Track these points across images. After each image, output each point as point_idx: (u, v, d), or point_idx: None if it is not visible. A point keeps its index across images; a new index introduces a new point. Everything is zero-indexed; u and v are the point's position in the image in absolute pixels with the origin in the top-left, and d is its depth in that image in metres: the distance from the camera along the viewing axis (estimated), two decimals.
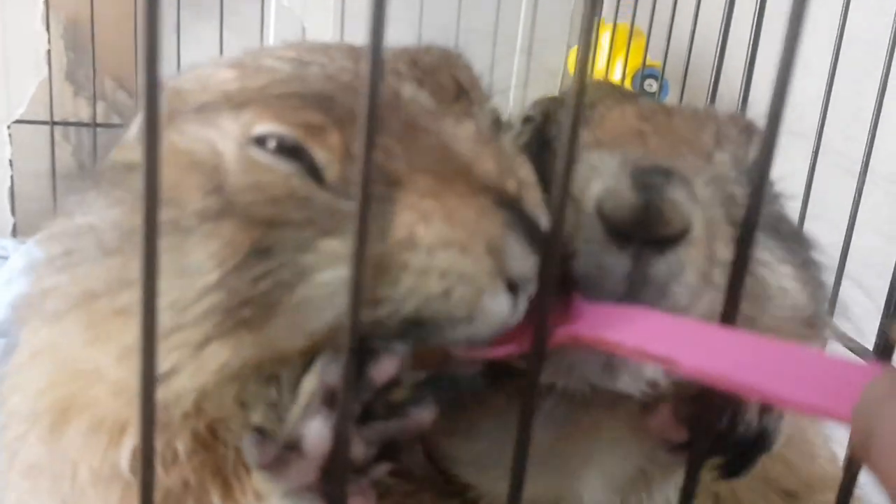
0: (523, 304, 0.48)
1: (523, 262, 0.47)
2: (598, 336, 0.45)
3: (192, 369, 0.50)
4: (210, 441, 0.52)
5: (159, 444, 0.51)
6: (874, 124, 1.03)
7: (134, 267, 0.50)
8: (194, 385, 0.51)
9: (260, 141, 0.51)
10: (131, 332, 0.50)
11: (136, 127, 0.59)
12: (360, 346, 0.41)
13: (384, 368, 0.43)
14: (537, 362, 0.39)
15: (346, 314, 0.37)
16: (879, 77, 1.07)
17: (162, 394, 0.51)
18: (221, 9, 1.69)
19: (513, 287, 0.48)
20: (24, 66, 1.63)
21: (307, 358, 0.49)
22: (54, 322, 0.56)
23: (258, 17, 1.74)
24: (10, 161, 1.67)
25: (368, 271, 0.45)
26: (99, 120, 1.75)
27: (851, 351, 0.99)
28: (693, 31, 1.27)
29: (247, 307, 0.48)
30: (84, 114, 1.85)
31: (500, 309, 0.47)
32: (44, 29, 1.59)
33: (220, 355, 0.49)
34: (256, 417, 0.53)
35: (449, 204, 0.48)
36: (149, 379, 0.37)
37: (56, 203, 1.67)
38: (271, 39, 1.74)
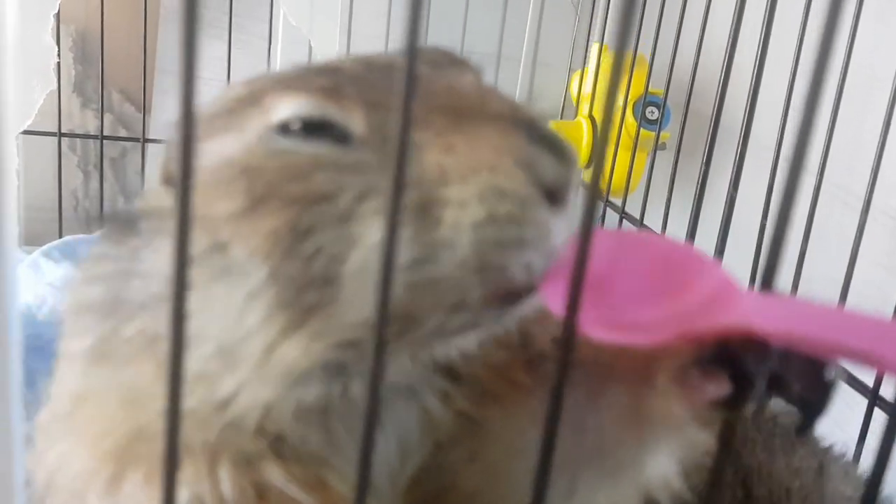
0: (568, 219, 0.48)
1: (554, 169, 0.47)
2: (755, 325, 0.40)
3: (258, 381, 0.49)
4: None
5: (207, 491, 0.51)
6: (878, 158, 1.05)
7: (189, 304, 0.51)
8: (259, 399, 0.50)
9: (283, 128, 0.50)
10: (197, 363, 0.50)
11: (160, 170, 0.59)
12: None
13: None
14: (567, 352, 0.36)
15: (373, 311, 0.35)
16: (879, 110, 1.08)
17: (225, 418, 0.51)
18: (230, 27, 1.71)
19: (552, 198, 0.47)
20: (34, 79, 1.64)
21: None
22: (123, 366, 0.55)
23: (266, 35, 1.75)
24: (18, 171, 1.67)
25: (410, 223, 0.45)
26: (105, 132, 1.76)
27: (851, 385, 1.00)
28: (697, 59, 1.28)
29: (309, 290, 0.47)
30: (91, 126, 1.87)
31: (547, 219, 0.47)
32: (53, 42, 1.60)
33: (291, 354, 0.48)
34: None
35: (469, 133, 0.48)
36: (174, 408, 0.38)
37: (61, 213, 1.68)
38: (279, 57, 1.76)
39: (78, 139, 1.87)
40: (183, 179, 0.30)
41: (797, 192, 0.34)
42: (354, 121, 0.50)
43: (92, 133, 1.83)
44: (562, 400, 0.35)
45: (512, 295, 0.49)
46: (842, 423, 0.97)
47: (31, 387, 0.61)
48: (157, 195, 0.58)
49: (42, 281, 1.38)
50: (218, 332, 0.50)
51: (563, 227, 0.48)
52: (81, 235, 1.59)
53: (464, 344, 0.53)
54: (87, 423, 0.56)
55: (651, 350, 0.55)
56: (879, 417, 1.02)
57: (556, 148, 0.48)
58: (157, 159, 0.60)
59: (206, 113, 0.56)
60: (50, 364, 1.17)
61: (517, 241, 0.46)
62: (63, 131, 1.68)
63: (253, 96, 0.53)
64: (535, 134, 0.48)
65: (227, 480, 0.51)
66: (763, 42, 1.07)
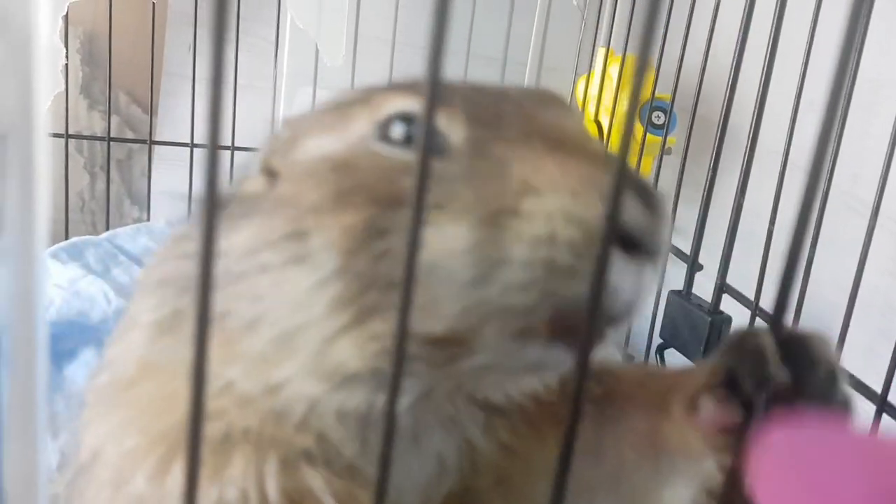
0: (647, 273, 0.46)
1: (637, 213, 0.45)
2: None
3: (308, 374, 0.50)
4: None
5: (251, 485, 0.51)
6: (886, 164, 1.04)
7: (260, 285, 0.51)
8: (305, 393, 0.51)
9: (384, 130, 0.51)
10: (259, 344, 0.51)
11: (257, 162, 0.60)
12: None
13: None
14: (583, 377, 0.35)
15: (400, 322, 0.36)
16: (886, 115, 1.08)
17: (272, 404, 0.52)
18: (238, 30, 1.71)
19: (629, 245, 0.45)
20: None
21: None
22: (190, 342, 0.55)
23: (273, 38, 1.75)
24: None
25: (484, 230, 0.45)
26: (112, 134, 1.76)
27: (855, 389, 1.00)
28: (704, 64, 1.28)
29: (371, 290, 0.47)
30: (98, 127, 1.87)
31: (612, 262, 0.44)
32: (61, 44, 1.60)
33: (344, 352, 0.48)
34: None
35: (562, 159, 0.47)
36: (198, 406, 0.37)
37: (67, 214, 1.68)
38: (286, 61, 1.76)
39: (85, 140, 1.87)
40: (209, 184, 0.30)
41: (812, 214, 0.34)
42: (454, 132, 0.50)
43: (99, 135, 1.84)
44: (579, 416, 0.35)
45: (562, 331, 0.47)
46: None
47: None
48: (252, 182, 0.59)
49: (49, 282, 1.38)
50: (282, 318, 0.50)
51: (638, 281, 0.45)
52: (88, 237, 1.59)
53: (513, 386, 0.54)
54: (147, 396, 0.56)
55: (667, 379, 0.57)
56: (887, 423, 1.02)
57: (646, 194, 0.46)
58: (163, 161, 0.62)
59: (318, 110, 0.59)
60: (55, 365, 1.18)
61: (570, 270, 0.44)
62: (70, 133, 1.68)
63: (364, 97, 0.55)
64: (627, 176, 0.46)
65: (272, 477, 0.51)
66: (771, 46, 1.07)
